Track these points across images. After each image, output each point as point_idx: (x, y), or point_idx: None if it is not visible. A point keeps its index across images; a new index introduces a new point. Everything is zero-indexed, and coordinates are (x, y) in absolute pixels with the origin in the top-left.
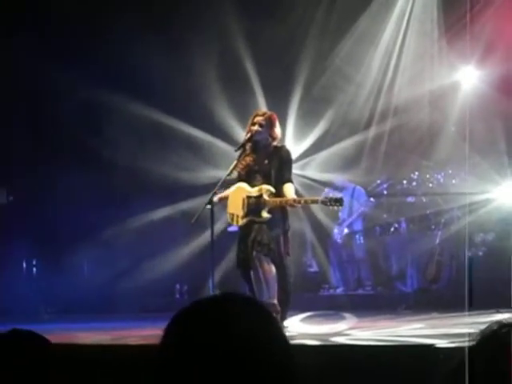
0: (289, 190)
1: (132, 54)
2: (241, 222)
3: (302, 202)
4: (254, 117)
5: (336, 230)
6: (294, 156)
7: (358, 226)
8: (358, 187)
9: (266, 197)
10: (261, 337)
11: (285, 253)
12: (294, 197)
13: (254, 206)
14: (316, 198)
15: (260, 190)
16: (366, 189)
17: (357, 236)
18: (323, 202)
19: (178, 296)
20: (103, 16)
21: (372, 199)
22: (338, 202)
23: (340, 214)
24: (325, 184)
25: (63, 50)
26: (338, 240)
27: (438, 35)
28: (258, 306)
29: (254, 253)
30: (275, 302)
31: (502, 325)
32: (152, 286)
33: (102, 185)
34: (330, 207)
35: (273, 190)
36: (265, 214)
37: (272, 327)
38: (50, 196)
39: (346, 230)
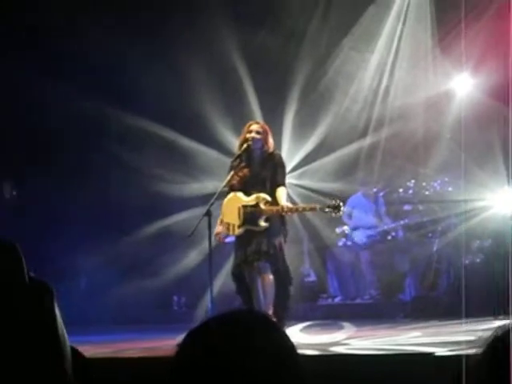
0: (280, 193)
1: (122, 64)
2: (237, 231)
3: (300, 209)
4: (250, 126)
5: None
6: (290, 165)
7: (357, 234)
8: (380, 196)
9: (262, 206)
10: (277, 354)
11: (284, 257)
12: (286, 203)
13: (250, 215)
14: (314, 205)
15: (256, 198)
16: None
17: (354, 244)
18: (321, 209)
19: (175, 308)
20: (84, 22)
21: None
22: (337, 208)
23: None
24: (321, 193)
25: (51, 60)
26: (363, 242)
27: (432, 44)
28: (272, 323)
29: (256, 263)
30: (270, 312)
31: (506, 330)
32: (150, 297)
33: (96, 197)
34: (333, 214)
35: (269, 198)
36: (262, 223)
37: (287, 344)
38: (43, 208)
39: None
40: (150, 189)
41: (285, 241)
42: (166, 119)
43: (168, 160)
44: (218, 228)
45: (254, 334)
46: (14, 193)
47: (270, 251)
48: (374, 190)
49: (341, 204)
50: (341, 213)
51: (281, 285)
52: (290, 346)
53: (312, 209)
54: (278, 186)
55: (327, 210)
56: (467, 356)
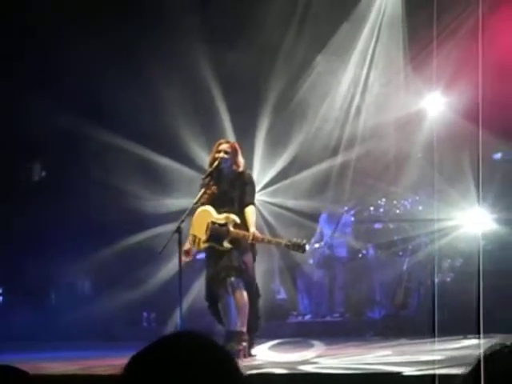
0: (249, 214)
1: (97, 83)
2: (202, 245)
3: (266, 240)
4: (219, 145)
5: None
6: (262, 183)
7: (325, 251)
8: (347, 215)
9: (230, 227)
10: (218, 373)
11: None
12: (254, 230)
13: (216, 233)
14: (280, 240)
15: (226, 218)
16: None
17: (324, 261)
18: (286, 246)
19: (145, 324)
20: (62, 41)
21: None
22: (301, 248)
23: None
24: (293, 211)
25: (31, 77)
26: (316, 260)
27: (404, 62)
28: (221, 352)
29: (228, 279)
30: (244, 330)
31: (504, 346)
32: (120, 313)
33: (70, 212)
34: (297, 252)
35: (238, 220)
36: (226, 244)
37: (228, 362)
38: (15, 223)
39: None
40: (123, 205)
41: (254, 260)
42: (139, 137)
43: (141, 177)
44: (187, 245)
45: (194, 354)
46: None
47: (241, 266)
48: (345, 208)
49: (305, 244)
50: (305, 252)
51: (252, 302)
52: (231, 364)
53: (277, 243)
54: (247, 205)
55: (291, 247)
56: (442, 376)
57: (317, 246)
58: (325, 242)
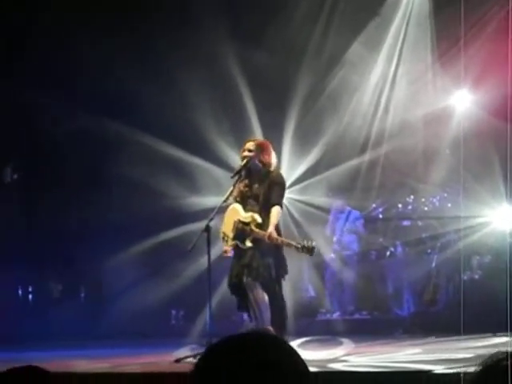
0: (273, 213)
1: (124, 82)
2: (229, 243)
3: (279, 241)
4: (245, 143)
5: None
6: (289, 181)
7: (354, 249)
8: (354, 211)
9: (252, 226)
10: (292, 371)
11: (277, 278)
12: (272, 231)
13: (240, 231)
14: (291, 242)
15: (251, 217)
16: (361, 212)
17: (353, 259)
18: (296, 248)
19: (173, 322)
20: (86, 41)
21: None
22: (310, 251)
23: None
24: (320, 208)
25: (58, 79)
26: (331, 255)
27: (431, 60)
28: (287, 346)
29: (245, 278)
30: (269, 327)
31: (507, 355)
32: (148, 311)
33: (100, 211)
34: (303, 254)
35: (259, 220)
36: (248, 243)
37: (299, 361)
38: (48, 223)
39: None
40: (152, 203)
41: (278, 260)
42: (167, 135)
43: (170, 175)
44: (223, 244)
45: (269, 352)
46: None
47: (259, 269)
48: (374, 205)
49: (314, 247)
50: (312, 255)
51: (274, 302)
52: (302, 363)
53: (289, 245)
54: (273, 205)
55: (301, 250)
56: (465, 374)
57: (344, 243)
58: (352, 239)
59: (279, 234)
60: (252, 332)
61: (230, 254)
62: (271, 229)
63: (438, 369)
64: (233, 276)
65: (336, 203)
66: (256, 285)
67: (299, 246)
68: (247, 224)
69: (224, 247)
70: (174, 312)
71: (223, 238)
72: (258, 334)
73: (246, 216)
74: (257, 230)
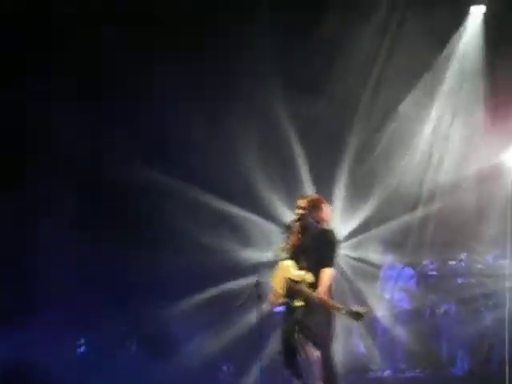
0: (323, 275)
1: (172, 133)
2: (280, 300)
3: (327, 304)
4: (297, 200)
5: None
6: (341, 236)
7: (406, 306)
8: (407, 268)
9: (303, 287)
10: None
11: (328, 337)
12: (321, 293)
13: (291, 290)
14: (341, 306)
15: (302, 277)
16: (414, 269)
17: (405, 316)
18: (345, 313)
19: (221, 377)
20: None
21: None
22: (358, 317)
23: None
24: (372, 264)
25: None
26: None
27: (484, 115)
28: None
29: (296, 335)
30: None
31: None
32: (197, 366)
33: (150, 264)
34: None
35: (311, 280)
36: (297, 303)
37: None
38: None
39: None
40: (202, 257)
41: (328, 320)
42: (218, 189)
43: (221, 229)
44: (270, 295)
45: None
46: None
47: (311, 326)
48: (425, 261)
49: (363, 314)
50: (358, 322)
51: (326, 365)
52: None
53: (337, 309)
54: (323, 266)
55: (349, 315)
56: None
57: (396, 300)
58: (404, 296)
59: (330, 293)
60: None
61: (278, 308)
62: (322, 292)
63: None
64: (284, 332)
65: (388, 259)
66: (308, 342)
67: (348, 311)
68: (298, 282)
69: (272, 299)
70: (224, 368)
71: (274, 294)
72: None
73: (296, 274)
74: (308, 291)
